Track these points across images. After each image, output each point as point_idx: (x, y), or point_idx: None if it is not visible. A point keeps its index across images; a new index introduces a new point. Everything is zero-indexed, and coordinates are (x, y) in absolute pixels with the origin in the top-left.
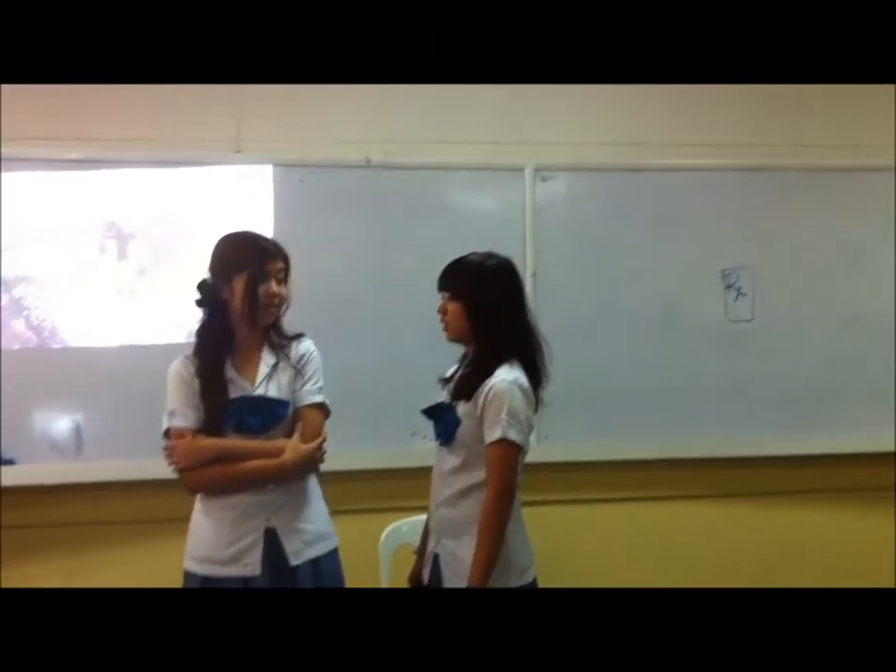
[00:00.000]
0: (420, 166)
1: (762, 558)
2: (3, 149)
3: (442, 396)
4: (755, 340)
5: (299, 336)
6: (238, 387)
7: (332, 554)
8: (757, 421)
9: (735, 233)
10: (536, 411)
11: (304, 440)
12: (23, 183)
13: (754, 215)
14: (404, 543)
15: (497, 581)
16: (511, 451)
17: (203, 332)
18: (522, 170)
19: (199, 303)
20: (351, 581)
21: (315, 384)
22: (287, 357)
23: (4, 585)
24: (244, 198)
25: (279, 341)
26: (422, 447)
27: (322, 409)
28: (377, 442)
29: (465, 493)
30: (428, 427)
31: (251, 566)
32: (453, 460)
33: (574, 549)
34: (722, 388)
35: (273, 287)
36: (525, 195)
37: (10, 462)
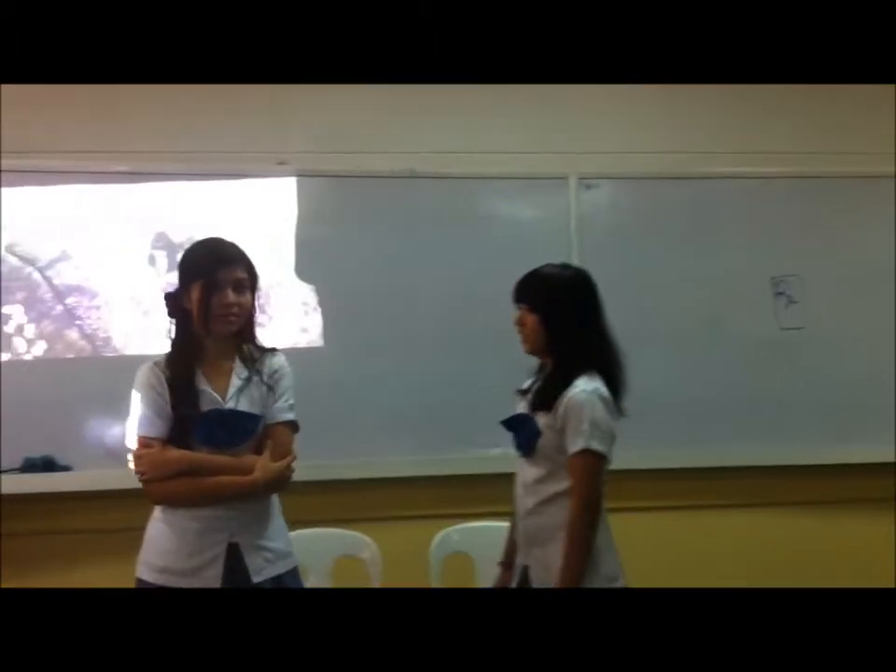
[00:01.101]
0: (464, 176)
1: (812, 568)
2: (50, 163)
3: (520, 407)
4: (801, 349)
5: (272, 350)
6: (208, 399)
7: (294, 573)
8: (802, 430)
9: (782, 241)
10: (618, 420)
11: (275, 458)
12: (74, 195)
13: (800, 223)
14: (455, 551)
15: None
16: (594, 460)
17: (173, 342)
18: (566, 178)
19: (168, 314)
20: None
21: (286, 401)
22: (260, 371)
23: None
24: (287, 208)
25: (251, 353)
26: (473, 455)
27: (293, 427)
28: (427, 451)
29: (550, 501)
30: (483, 436)
31: (211, 580)
32: (535, 471)
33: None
34: (768, 398)
35: (230, 296)
36: (569, 204)
37: (67, 468)
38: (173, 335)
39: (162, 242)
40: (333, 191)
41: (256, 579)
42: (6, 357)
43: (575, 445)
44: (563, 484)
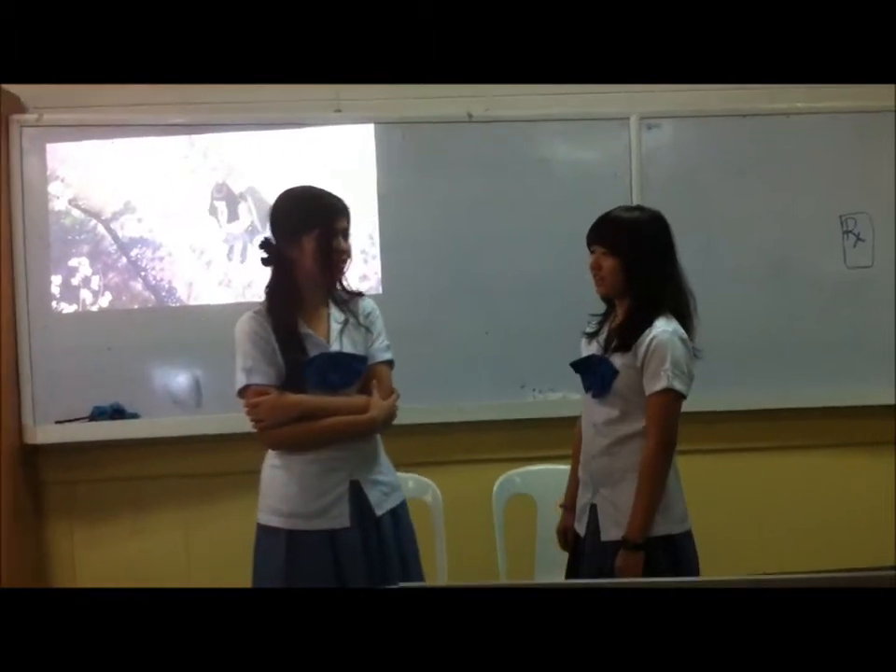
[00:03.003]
0: (522, 119)
1: (877, 508)
2: (111, 116)
3: (588, 349)
4: (871, 288)
5: (360, 294)
6: (313, 343)
7: (404, 505)
8: (869, 370)
9: (849, 178)
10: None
11: (382, 396)
12: (136, 148)
13: (869, 158)
14: (517, 493)
15: (661, 529)
16: (674, 400)
17: (273, 290)
18: (626, 119)
19: (265, 262)
20: (465, 532)
21: (383, 341)
22: (354, 314)
23: (126, 535)
24: (347, 157)
25: (343, 297)
26: (532, 400)
27: (391, 365)
28: (487, 396)
29: (623, 442)
30: (542, 381)
31: (340, 518)
32: (608, 411)
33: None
34: (837, 338)
35: (342, 243)
36: (630, 145)
37: (135, 416)
38: (271, 283)
39: (223, 192)
40: (390, 138)
41: (378, 512)
42: (72, 309)
43: (656, 385)
44: (636, 425)
